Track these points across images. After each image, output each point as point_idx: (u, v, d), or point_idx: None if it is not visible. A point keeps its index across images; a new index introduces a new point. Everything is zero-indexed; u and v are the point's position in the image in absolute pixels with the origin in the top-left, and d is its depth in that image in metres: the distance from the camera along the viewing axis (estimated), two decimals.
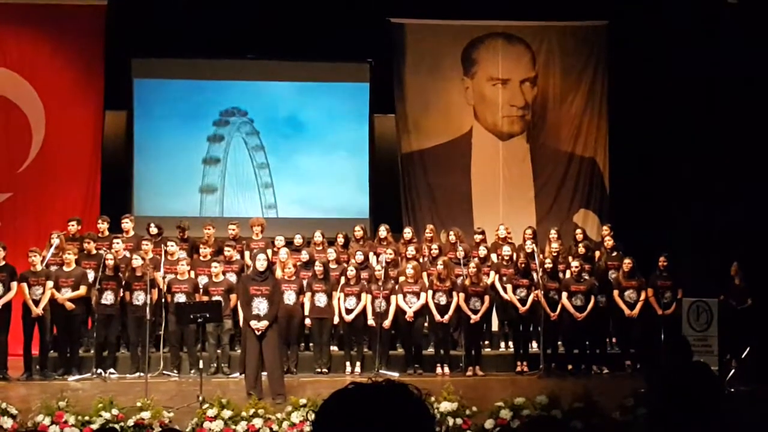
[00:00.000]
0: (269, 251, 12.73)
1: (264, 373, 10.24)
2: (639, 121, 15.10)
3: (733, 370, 11.53)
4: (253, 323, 10.07)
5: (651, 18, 14.54)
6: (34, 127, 14.52)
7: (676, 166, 14.53)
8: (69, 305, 11.89)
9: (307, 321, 12.33)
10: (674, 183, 14.59)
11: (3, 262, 11.80)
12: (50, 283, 11.79)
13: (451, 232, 13.67)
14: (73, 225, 13.06)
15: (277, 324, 10.41)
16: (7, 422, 8.15)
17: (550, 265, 12.68)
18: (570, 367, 12.51)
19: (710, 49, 13.78)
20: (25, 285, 11.72)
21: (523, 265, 12.67)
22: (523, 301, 12.52)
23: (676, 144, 14.49)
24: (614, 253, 13.50)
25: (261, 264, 10.36)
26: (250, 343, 10.16)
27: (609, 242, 13.62)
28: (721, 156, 13.87)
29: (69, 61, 14.74)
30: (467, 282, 12.44)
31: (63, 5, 14.71)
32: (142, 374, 11.24)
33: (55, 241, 12.48)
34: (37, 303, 11.71)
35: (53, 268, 12.16)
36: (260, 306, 10.14)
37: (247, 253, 13.07)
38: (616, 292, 12.67)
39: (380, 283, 12.30)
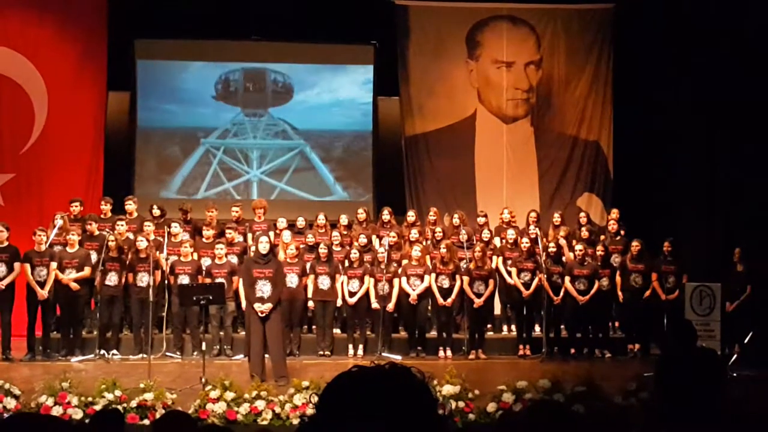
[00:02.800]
0: (272, 233, 12.75)
1: (267, 356, 10.25)
2: (643, 104, 15.06)
3: (735, 355, 11.55)
4: (257, 306, 10.07)
5: (657, 1, 14.48)
6: (37, 108, 14.50)
7: (681, 151, 14.48)
8: (74, 286, 11.90)
9: (310, 303, 12.34)
10: (678, 167, 14.54)
11: (6, 243, 11.78)
12: (54, 264, 11.80)
13: (455, 215, 13.66)
14: (75, 206, 13.05)
15: (280, 306, 10.41)
16: (11, 403, 8.17)
17: (554, 249, 12.66)
18: (572, 351, 12.52)
19: (717, 31, 13.69)
20: (27, 266, 11.72)
21: (526, 249, 12.64)
22: (527, 285, 12.51)
23: (680, 128, 14.44)
24: (618, 237, 13.48)
25: (263, 246, 10.35)
26: (254, 326, 10.16)
27: (613, 226, 13.58)
28: (726, 141, 13.81)
29: (72, 41, 14.70)
30: (471, 265, 12.42)
31: None
32: (145, 356, 11.29)
33: (59, 222, 12.47)
34: (41, 284, 11.72)
35: (57, 249, 12.15)
36: (264, 288, 10.14)
37: (249, 236, 13.07)
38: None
39: (383, 266, 12.29)
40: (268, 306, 10.06)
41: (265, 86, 15.90)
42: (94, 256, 12.22)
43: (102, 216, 13.13)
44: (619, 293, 12.72)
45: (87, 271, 12.00)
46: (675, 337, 5.77)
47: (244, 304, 11.59)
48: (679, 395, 2.98)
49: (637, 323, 12.85)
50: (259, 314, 10.06)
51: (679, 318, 10.63)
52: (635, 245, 12.77)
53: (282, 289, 10.57)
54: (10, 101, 14.43)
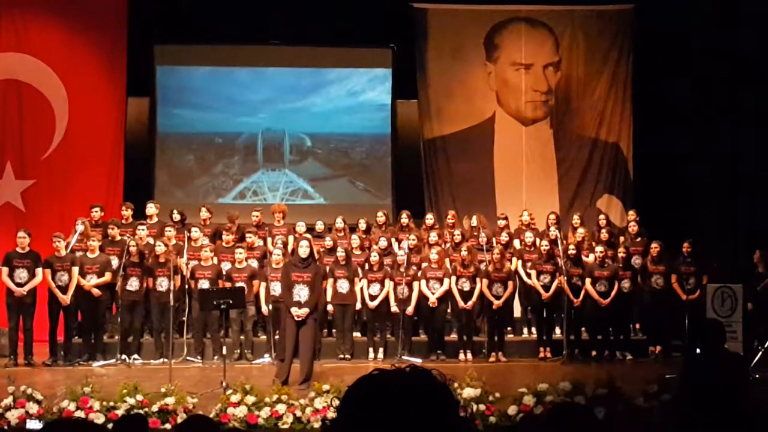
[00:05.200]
0: (290, 237, 12.79)
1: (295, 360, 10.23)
2: (663, 106, 14.98)
3: (758, 356, 11.45)
4: (294, 310, 10.02)
5: (677, 1, 14.40)
6: (58, 114, 14.61)
7: (701, 152, 14.40)
8: (96, 292, 11.96)
9: (330, 307, 12.35)
10: (698, 168, 14.46)
11: (28, 248, 11.87)
12: (76, 270, 11.87)
13: (474, 218, 13.64)
14: (96, 211, 13.12)
15: (317, 311, 10.40)
16: (33, 407, 8.21)
17: (574, 251, 12.62)
18: (593, 353, 12.47)
19: (736, 32, 13.61)
20: (49, 271, 11.79)
21: (546, 251, 12.60)
22: (546, 287, 12.47)
23: (700, 129, 14.36)
24: (638, 239, 13.42)
25: (304, 251, 10.27)
26: (289, 330, 10.09)
27: (633, 228, 13.52)
28: (746, 141, 13.73)
29: (92, 47, 14.80)
30: (490, 268, 12.40)
31: None
32: (166, 360, 11.32)
33: (80, 228, 12.55)
34: (62, 289, 11.78)
35: (78, 254, 12.22)
36: (301, 293, 10.07)
37: (269, 240, 13.10)
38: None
39: (402, 270, 12.29)
40: (305, 311, 10.00)
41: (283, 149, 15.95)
42: (115, 261, 12.29)
43: (123, 221, 13.20)
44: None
45: (108, 276, 12.06)
46: (703, 338, 5.71)
47: (264, 308, 11.62)
48: (706, 396, 2.96)
49: (659, 325, 12.78)
50: (296, 318, 10.05)
51: (708, 319, 10.54)
52: (655, 247, 12.71)
53: (319, 295, 10.53)
54: (31, 108, 14.53)
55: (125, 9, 14.76)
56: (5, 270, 11.77)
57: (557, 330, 12.81)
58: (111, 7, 14.81)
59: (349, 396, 1.82)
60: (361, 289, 12.37)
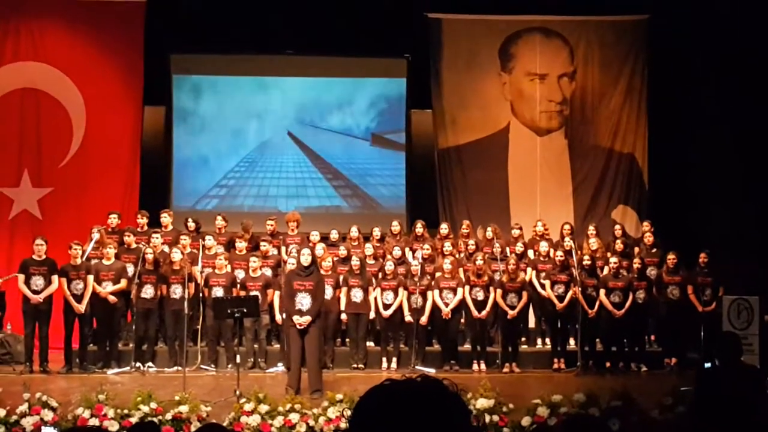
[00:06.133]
0: (318, 247, 12.80)
1: (303, 368, 10.25)
2: (678, 116, 14.94)
3: None
4: (296, 318, 10.05)
5: (692, 11, 14.37)
6: (75, 123, 14.70)
7: (716, 162, 14.33)
8: (112, 299, 12.01)
9: (343, 316, 12.35)
10: (714, 179, 14.39)
11: (44, 256, 11.93)
12: (91, 278, 11.92)
13: (488, 228, 13.62)
14: (113, 218, 13.18)
15: (319, 319, 10.41)
16: (48, 415, 8.24)
17: (588, 262, 12.59)
18: (608, 364, 12.40)
19: (753, 43, 13.56)
20: (64, 280, 11.85)
21: (560, 262, 12.58)
22: (560, 298, 12.44)
23: (715, 140, 14.30)
24: (654, 250, 13.37)
25: (305, 259, 10.33)
26: (293, 339, 10.13)
27: (649, 238, 13.47)
28: (762, 152, 13.66)
29: (109, 56, 14.89)
30: (504, 278, 12.38)
31: (103, 1, 14.89)
32: (180, 368, 11.34)
33: (96, 235, 12.61)
34: (77, 297, 11.84)
35: (93, 262, 12.28)
36: (303, 301, 10.12)
37: (283, 248, 13.11)
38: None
39: (416, 279, 12.28)
40: (307, 319, 10.04)
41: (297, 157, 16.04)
42: (130, 269, 12.34)
43: (138, 229, 13.25)
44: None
45: (123, 283, 12.11)
46: (719, 350, 5.66)
47: (278, 317, 11.63)
48: (721, 409, 2.95)
49: (674, 336, 12.72)
50: (298, 326, 10.06)
51: (725, 331, 10.48)
52: (671, 258, 12.67)
53: (322, 303, 10.53)
54: (48, 116, 14.63)
55: (142, 18, 14.84)
56: (22, 277, 11.83)
57: (571, 341, 12.75)
58: (128, 17, 14.90)
59: (361, 406, 1.83)
60: (375, 298, 12.37)
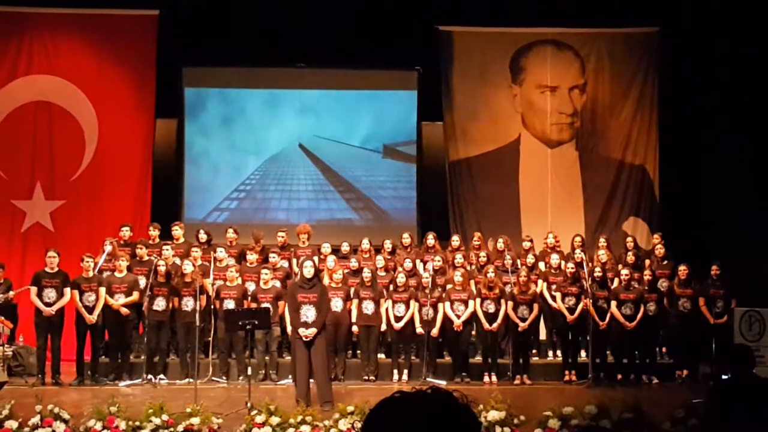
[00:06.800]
0: (316, 258, 12.81)
1: (312, 380, 10.25)
2: (689, 128, 14.92)
3: None
4: (301, 330, 10.07)
5: (703, 23, 14.38)
6: (87, 136, 14.79)
7: (727, 174, 14.30)
8: (125, 311, 12.05)
9: (354, 328, 12.36)
10: (725, 191, 14.36)
11: (57, 268, 11.98)
12: (103, 290, 11.97)
13: (499, 240, 13.61)
14: (125, 231, 13.25)
15: (325, 331, 10.42)
16: (60, 427, 8.27)
17: (600, 274, 12.57)
18: (619, 376, 12.37)
19: (765, 54, 13.55)
20: (76, 292, 11.90)
21: (572, 274, 12.56)
22: (571, 310, 12.41)
23: (726, 151, 14.28)
24: (665, 262, 13.34)
25: (308, 271, 10.36)
26: (299, 351, 10.13)
27: (660, 251, 13.45)
28: None
29: (121, 70, 14.99)
30: (515, 290, 12.37)
31: (115, 15, 15.00)
32: (191, 380, 11.34)
33: (108, 248, 12.67)
34: (89, 309, 11.88)
35: (105, 275, 12.33)
36: (308, 313, 10.14)
37: (294, 261, 13.13)
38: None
39: (427, 291, 12.28)
40: (312, 331, 10.05)
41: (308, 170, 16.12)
42: (142, 281, 12.38)
43: (150, 241, 13.30)
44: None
45: (135, 295, 12.14)
46: (732, 362, 5.63)
47: (289, 329, 11.64)
48: (734, 422, 2.95)
49: (686, 349, 12.67)
50: (303, 339, 10.08)
51: (737, 343, 10.43)
52: (682, 269, 12.63)
53: (327, 314, 10.54)
54: (61, 129, 14.73)
55: (154, 31, 14.94)
56: (34, 290, 11.89)
57: (582, 353, 12.73)
58: (140, 30, 15.00)
59: (372, 418, 1.84)
60: (386, 310, 12.37)
